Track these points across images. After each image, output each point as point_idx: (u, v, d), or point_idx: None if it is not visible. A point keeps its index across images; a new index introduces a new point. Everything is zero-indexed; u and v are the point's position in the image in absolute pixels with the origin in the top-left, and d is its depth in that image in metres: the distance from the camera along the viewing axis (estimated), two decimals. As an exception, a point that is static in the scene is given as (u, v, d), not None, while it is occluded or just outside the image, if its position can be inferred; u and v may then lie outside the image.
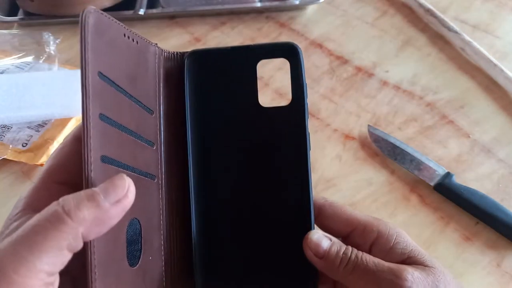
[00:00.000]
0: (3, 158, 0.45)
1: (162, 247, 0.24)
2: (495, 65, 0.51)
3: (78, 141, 0.20)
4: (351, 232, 0.26)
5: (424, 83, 0.52)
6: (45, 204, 0.18)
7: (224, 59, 0.26)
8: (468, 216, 0.41)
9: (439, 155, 0.45)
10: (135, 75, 0.23)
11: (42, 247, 0.16)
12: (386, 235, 0.25)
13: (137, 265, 0.22)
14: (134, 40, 0.23)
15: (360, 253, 0.24)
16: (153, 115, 0.25)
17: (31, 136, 0.46)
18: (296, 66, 0.25)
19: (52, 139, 0.45)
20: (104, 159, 0.20)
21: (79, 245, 0.18)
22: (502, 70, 0.50)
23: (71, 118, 0.47)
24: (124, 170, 0.21)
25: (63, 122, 0.47)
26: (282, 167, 0.25)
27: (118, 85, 0.21)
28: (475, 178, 0.43)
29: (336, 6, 0.62)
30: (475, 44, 0.53)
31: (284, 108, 0.25)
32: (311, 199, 0.25)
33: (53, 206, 0.17)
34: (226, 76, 0.26)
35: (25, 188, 0.44)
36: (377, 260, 0.24)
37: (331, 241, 0.25)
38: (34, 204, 0.20)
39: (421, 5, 0.59)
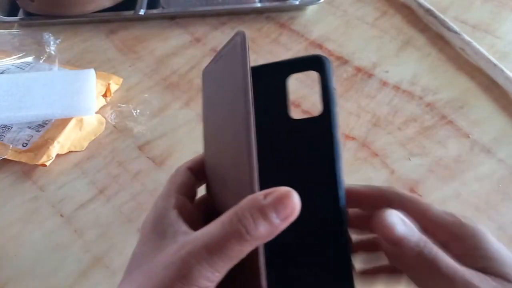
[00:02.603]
0: (3, 158, 0.45)
1: None
2: (495, 65, 0.51)
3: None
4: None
5: (424, 83, 0.52)
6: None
7: (259, 76, 0.26)
8: (468, 216, 0.40)
9: (439, 155, 0.45)
10: None
11: (228, 258, 0.19)
12: (462, 238, 0.23)
13: None
14: None
15: (439, 252, 0.22)
16: None
17: (32, 136, 0.46)
18: (325, 77, 0.26)
19: (53, 139, 0.46)
20: None
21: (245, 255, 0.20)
22: (502, 70, 0.50)
23: (71, 118, 0.47)
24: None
25: (63, 122, 0.47)
26: (313, 177, 0.26)
27: None
28: (475, 178, 0.43)
29: (336, 6, 0.62)
30: (475, 44, 0.53)
31: (315, 119, 0.26)
32: (342, 209, 0.25)
33: (234, 223, 0.20)
34: (261, 92, 0.26)
35: (25, 188, 0.44)
36: (455, 265, 0.22)
37: (405, 227, 0.23)
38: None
39: (420, 5, 0.59)
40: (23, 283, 0.38)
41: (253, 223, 0.19)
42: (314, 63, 0.26)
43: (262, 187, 0.23)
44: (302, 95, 0.51)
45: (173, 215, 0.23)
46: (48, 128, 0.47)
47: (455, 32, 0.55)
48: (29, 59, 0.55)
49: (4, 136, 0.46)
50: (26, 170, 0.46)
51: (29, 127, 0.47)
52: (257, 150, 0.24)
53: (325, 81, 0.26)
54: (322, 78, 0.26)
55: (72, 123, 0.47)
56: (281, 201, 0.20)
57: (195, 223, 0.23)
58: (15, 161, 0.45)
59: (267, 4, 0.62)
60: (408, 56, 0.55)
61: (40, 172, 0.46)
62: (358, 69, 0.54)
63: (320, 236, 0.25)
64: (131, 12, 0.61)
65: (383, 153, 0.46)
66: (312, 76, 0.53)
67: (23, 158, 0.45)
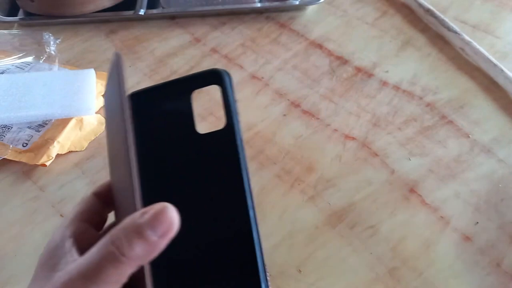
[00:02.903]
0: (4, 158, 0.45)
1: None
2: (495, 65, 0.51)
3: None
4: None
5: (424, 83, 0.52)
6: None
7: (160, 96, 0.27)
8: (468, 216, 0.41)
9: (439, 155, 0.45)
10: None
11: (105, 283, 0.18)
12: None
13: None
14: None
15: None
16: None
17: (32, 136, 0.46)
18: (224, 91, 0.26)
19: (53, 139, 0.46)
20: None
21: (127, 278, 0.20)
22: (502, 70, 0.50)
23: (71, 118, 0.47)
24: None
25: (64, 122, 0.47)
26: (221, 191, 0.25)
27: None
28: (475, 178, 0.43)
29: (336, 6, 0.62)
30: (475, 44, 0.53)
31: (218, 133, 0.26)
32: (251, 222, 0.25)
33: (108, 246, 0.19)
34: (164, 110, 0.27)
35: (25, 188, 0.44)
36: None
37: None
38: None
39: (420, 5, 0.59)
40: (23, 283, 0.38)
41: (127, 244, 0.19)
42: (214, 77, 0.26)
43: None
44: (302, 95, 0.51)
45: (68, 244, 0.22)
46: (48, 128, 0.47)
47: (455, 32, 0.55)
48: (29, 59, 0.55)
49: (4, 136, 0.46)
50: (26, 170, 0.46)
51: (29, 127, 0.47)
52: (155, 169, 0.24)
53: (226, 94, 0.26)
54: (223, 91, 0.26)
55: (72, 123, 0.47)
56: (156, 217, 0.19)
57: None
58: (15, 161, 0.45)
59: (267, 4, 0.62)
60: (408, 56, 0.55)
61: (40, 172, 0.46)
62: (358, 69, 0.54)
63: (229, 250, 0.24)
64: (131, 12, 0.61)
65: (383, 153, 0.46)
66: (312, 76, 0.53)
67: (23, 158, 0.45)
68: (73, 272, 0.19)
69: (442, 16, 0.57)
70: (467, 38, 0.54)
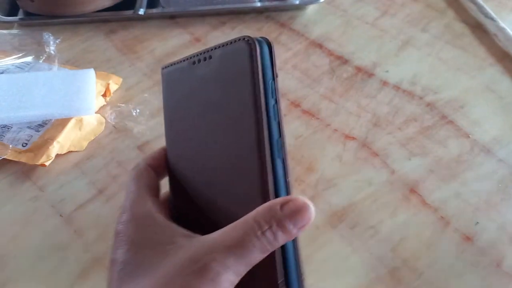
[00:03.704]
0: (3, 158, 0.45)
1: None
2: None
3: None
4: None
5: (424, 83, 0.52)
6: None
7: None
8: (468, 216, 0.41)
9: (439, 155, 0.45)
10: None
11: (249, 264, 0.20)
12: None
13: None
14: None
15: None
16: None
17: (31, 136, 0.46)
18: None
19: (52, 139, 0.45)
20: None
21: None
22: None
23: (71, 118, 0.47)
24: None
25: (63, 122, 0.47)
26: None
27: None
28: (475, 178, 0.43)
29: (336, 6, 0.62)
30: (509, 30, 0.55)
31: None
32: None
33: (255, 232, 0.20)
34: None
35: (25, 188, 0.44)
36: None
37: None
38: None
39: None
40: (23, 283, 0.38)
41: (272, 233, 0.20)
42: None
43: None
44: (302, 95, 0.51)
45: (161, 220, 0.24)
46: (48, 128, 0.47)
47: (492, 19, 0.57)
48: (29, 59, 0.55)
49: (4, 136, 0.46)
50: (26, 170, 0.46)
51: (29, 127, 0.47)
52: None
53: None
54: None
55: (71, 123, 0.47)
56: (298, 212, 0.21)
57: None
58: (15, 161, 0.45)
59: (267, 4, 0.62)
60: (408, 55, 0.55)
61: (40, 172, 0.46)
62: (358, 69, 0.54)
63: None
64: (130, 12, 0.61)
65: (383, 153, 0.46)
66: (312, 76, 0.53)
67: (23, 158, 0.45)
68: (223, 251, 0.20)
69: (481, 2, 0.59)
70: (501, 24, 0.56)
